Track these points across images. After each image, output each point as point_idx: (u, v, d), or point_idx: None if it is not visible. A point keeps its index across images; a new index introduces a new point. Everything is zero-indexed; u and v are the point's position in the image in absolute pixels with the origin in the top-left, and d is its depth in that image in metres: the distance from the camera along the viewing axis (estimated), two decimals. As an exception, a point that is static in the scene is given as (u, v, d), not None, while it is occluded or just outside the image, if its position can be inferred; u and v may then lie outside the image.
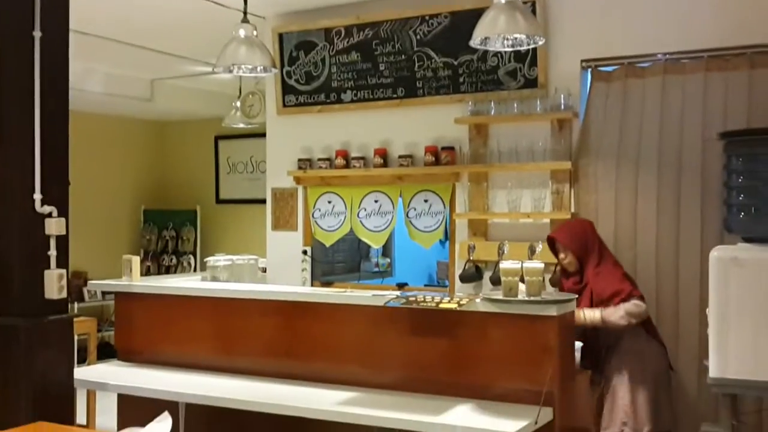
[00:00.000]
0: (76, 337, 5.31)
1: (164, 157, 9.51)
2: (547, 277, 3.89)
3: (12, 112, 3.12)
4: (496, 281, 3.79)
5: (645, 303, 3.83)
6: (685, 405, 4.16)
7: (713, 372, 3.35)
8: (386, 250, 7.52)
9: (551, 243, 4.12)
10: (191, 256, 8.88)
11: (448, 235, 5.26)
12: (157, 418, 2.22)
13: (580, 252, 3.99)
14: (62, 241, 3.22)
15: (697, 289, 4.10)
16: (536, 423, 3.11)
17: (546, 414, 3.23)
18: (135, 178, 9.29)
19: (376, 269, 6.89)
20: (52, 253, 3.16)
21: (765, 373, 3.23)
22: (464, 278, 4.82)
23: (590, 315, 3.84)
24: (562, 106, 4.56)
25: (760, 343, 3.26)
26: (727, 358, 3.31)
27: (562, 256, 4.05)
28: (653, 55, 4.40)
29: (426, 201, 5.16)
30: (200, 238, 8.92)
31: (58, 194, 3.20)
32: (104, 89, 7.35)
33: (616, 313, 3.78)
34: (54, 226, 3.14)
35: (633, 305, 3.78)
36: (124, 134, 9.14)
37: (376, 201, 5.34)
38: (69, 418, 3.12)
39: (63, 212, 3.21)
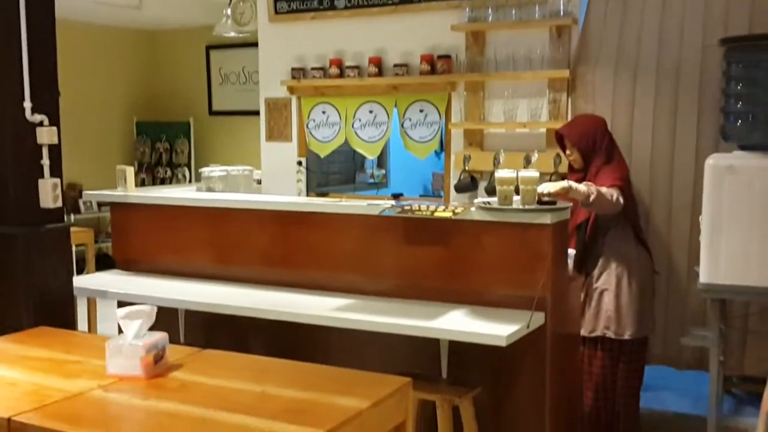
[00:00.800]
0: (74, 248, 5.37)
1: (155, 68, 9.36)
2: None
3: (-3, 18, 3.04)
4: (491, 191, 3.79)
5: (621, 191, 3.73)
6: (673, 310, 4.24)
7: (704, 278, 3.41)
8: (381, 162, 7.52)
9: (559, 138, 4.07)
10: (185, 168, 8.86)
11: (444, 146, 5.24)
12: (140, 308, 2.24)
13: (586, 151, 3.92)
14: (55, 151, 3.20)
15: (690, 197, 4.13)
16: (528, 327, 3.18)
17: (538, 319, 3.30)
18: (126, 90, 9.17)
19: (372, 181, 6.91)
20: (45, 162, 3.14)
21: (754, 278, 3.29)
22: (459, 188, 4.83)
23: (581, 187, 3.63)
24: (561, 12, 4.47)
25: (750, 250, 3.30)
26: (717, 264, 3.36)
27: (568, 152, 4.00)
28: (655, -42, 4.29)
29: (421, 111, 5.12)
30: (194, 150, 8.88)
31: (48, 103, 3.15)
32: (91, -5, 7.18)
33: (598, 193, 3.70)
34: (45, 135, 3.11)
35: (615, 191, 3.68)
36: (113, 44, 8.97)
37: (370, 111, 5.29)
38: (70, 324, 3.17)
39: (54, 121, 3.17)
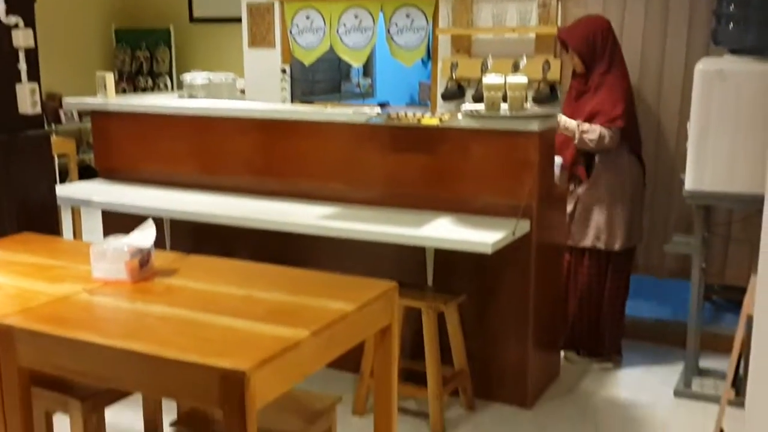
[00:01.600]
0: (56, 159, 5.30)
1: (130, -29, 9.04)
2: (531, 94, 3.83)
3: None
4: (478, 99, 3.72)
5: (620, 131, 3.77)
6: (657, 220, 4.27)
7: (689, 184, 3.41)
8: (367, 71, 7.38)
9: (563, 42, 3.99)
10: (167, 77, 8.68)
11: (431, 54, 5.14)
12: (141, 226, 2.24)
13: (587, 56, 3.84)
14: (32, 55, 3.11)
15: (678, 103, 4.10)
16: (514, 235, 3.20)
17: (523, 226, 3.31)
18: (101, -5, 8.88)
19: (357, 90, 6.79)
20: (22, 66, 3.06)
21: (739, 184, 3.29)
22: (446, 96, 4.75)
23: (571, 124, 3.80)
24: None
25: (736, 156, 3.30)
26: (703, 171, 3.36)
27: (569, 55, 3.95)
28: None
29: (408, 16, 4.98)
30: (175, 58, 8.67)
31: (22, 3, 3.05)
32: None
33: (591, 134, 3.75)
34: (21, 38, 3.02)
35: (609, 132, 3.73)
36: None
37: (356, 16, 5.15)
38: (54, 234, 3.15)
39: (29, 23, 3.07)
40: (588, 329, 4.03)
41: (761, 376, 2.66)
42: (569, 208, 3.98)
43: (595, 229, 3.88)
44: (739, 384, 3.27)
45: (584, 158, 3.89)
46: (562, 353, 4.05)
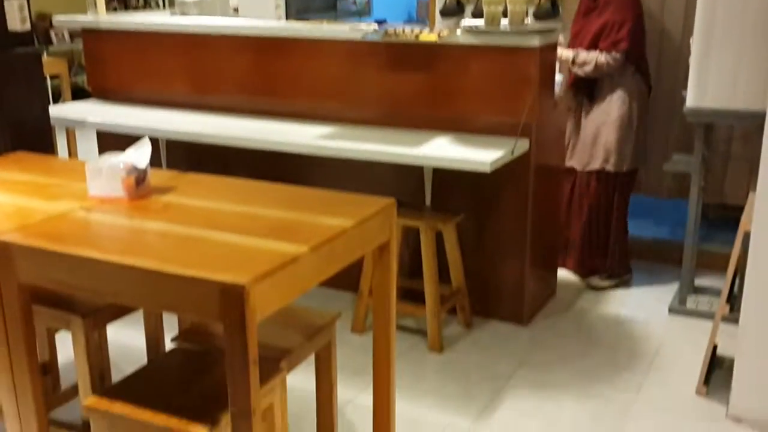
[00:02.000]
0: (48, 80, 5.22)
1: None
2: (531, 10, 3.74)
3: None
4: (478, 15, 3.64)
5: (625, 53, 3.70)
6: (657, 138, 4.24)
7: (690, 101, 3.37)
8: (363, -12, 7.18)
9: None
10: (159, -3, 8.49)
11: (429, -32, 5.00)
12: (136, 144, 2.21)
13: None
14: (18, -30, 3.01)
15: (682, 18, 4.02)
16: (513, 153, 3.17)
17: (522, 145, 3.28)
18: None
19: (354, 8, 6.62)
20: (9, -19, 2.97)
21: (741, 101, 3.25)
22: (445, 13, 4.61)
23: (567, 55, 3.78)
24: None
25: (739, 72, 3.25)
26: (705, 87, 3.31)
27: None
28: None
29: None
30: (167, -23, 8.47)
31: None
32: None
33: (587, 66, 3.73)
34: (7, -49, 2.92)
35: (609, 57, 3.68)
36: None
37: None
38: (49, 154, 3.12)
39: (14, -66, 2.97)
40: (599, 252, 4.01)
41: (756, 290, 2.69)
42: (574, 131, 3.95)
43: (604, 152, 3.84)
44: (733, 300, 3.31)
45: (587, 80, 3.84)
46: (582, 281, 4.06)
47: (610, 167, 3.85)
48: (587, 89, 3.87)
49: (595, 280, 4.04)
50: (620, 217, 3.97)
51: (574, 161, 4.00)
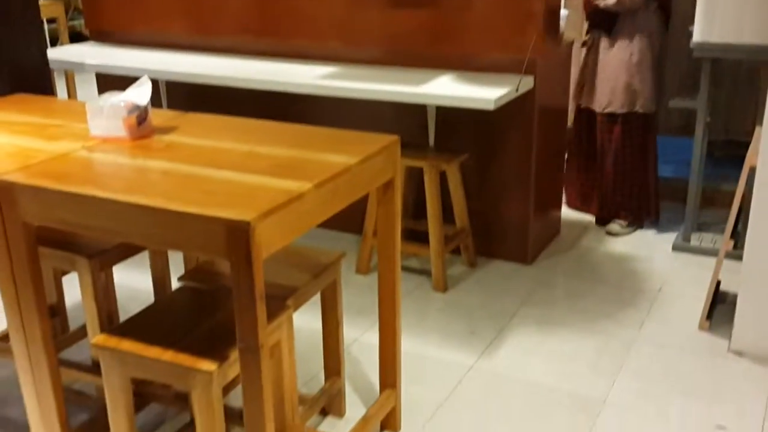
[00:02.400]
0: (45, 24, 5.14)
1: None
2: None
3: None
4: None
5: None
6: (664, 75, 4.19)
7: (697, 36, 3.31)
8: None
9: None
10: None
11: None
12: (136, 83, 2.18)
13: None
14: None
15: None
16: (517, 90, 3.14)
17: (527, 82, 3.25)
18: None
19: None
20: None
21: (748, 35, 3.20)
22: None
23: None
24: None
25: (746, 6, 3.18)
26: (712, 22, 3.25)
27: None
28: None
29: None
30: None
31: None
32: None
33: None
34: None
35: None
36: None
37: None
38: (48, 94, 3.09)
39: None
40: (628, 197, 3.90)
41: (761, 225, 2.69)
42: (590, 69, 3.82)
43: (630, 93, 3.69)
44: (737, 236, 3.32)
45: (607, 14, 3.68)
46: (603, 226, 3.98)
47: (639, 109, 3.71)
48: (606, 24, 3.69)
49: (615, 228, 3.94)
50: (653, 159, 3.86)
51: (590, 102, 3.85)
